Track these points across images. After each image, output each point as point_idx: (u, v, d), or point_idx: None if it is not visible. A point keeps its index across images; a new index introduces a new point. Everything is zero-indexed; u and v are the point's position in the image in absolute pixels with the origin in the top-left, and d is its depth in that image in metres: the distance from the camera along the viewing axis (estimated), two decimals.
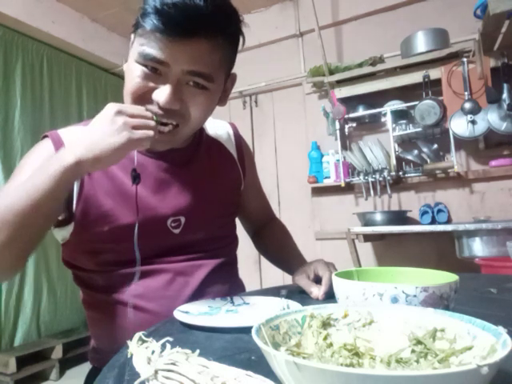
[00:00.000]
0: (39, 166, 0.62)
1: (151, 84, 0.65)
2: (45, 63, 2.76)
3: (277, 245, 1.00)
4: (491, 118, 2.07)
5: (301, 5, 2.88)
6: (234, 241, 0.92)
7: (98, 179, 0.72)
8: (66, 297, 2.71)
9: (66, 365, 2.49)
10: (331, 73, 2.52)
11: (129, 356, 0.36)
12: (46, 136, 0.75)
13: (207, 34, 0.63)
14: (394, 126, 2.35)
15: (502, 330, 0.32)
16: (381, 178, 2.31)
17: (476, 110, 2.10)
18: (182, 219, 0.77)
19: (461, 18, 2.35)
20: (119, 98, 0.69)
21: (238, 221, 0.98)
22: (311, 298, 0.72)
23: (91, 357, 0.84)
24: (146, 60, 0.63)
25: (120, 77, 3.31)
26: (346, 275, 0.58)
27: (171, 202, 0.76)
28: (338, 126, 2.53)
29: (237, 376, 0.31)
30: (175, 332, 0.56)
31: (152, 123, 0.61)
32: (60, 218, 0.73)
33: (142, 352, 0.35)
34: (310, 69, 2.64)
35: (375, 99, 2.48)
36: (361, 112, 2.49)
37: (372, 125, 2.60)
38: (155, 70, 0.64)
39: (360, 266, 2.28)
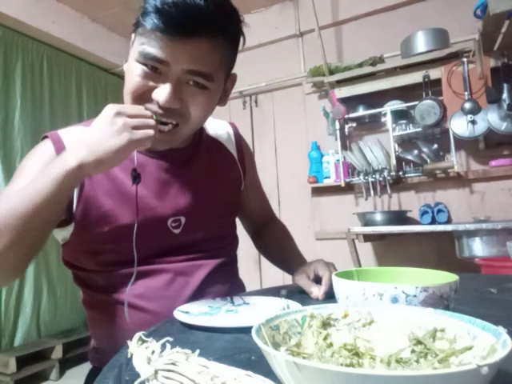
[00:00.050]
0: (41, 170, 0.62)
1: (151, 83, 0.65)
2: (45, 63, 2.76)
3: (277, 245, 1.00)
4: (491, 118, 2.07)
5: (301, 5, 2.88)
6: (234, 241, 0.92)
7: (98, 180, 0.72)
8: (66, 297, 2.71)
9: (66, 365, 2.49)
10: (331, 73, 2.52)
11: (129, 356, 0.36)
12: (46, 137, 0.75)
13: (207, 34, 0.63)
14: (394, 126, 2.35)
15: (502, 329, 0.32)
16: (381, 178, 2.31)
17: (476, 109, 2.10)
18: (183, 219, 0.77)
19: (461, 18, 2.35)
20: (119, 98, 0.69)
21: (238, 221, 0.98)
22: (311, 298, 0.72)
23: (91, 357, 0.84)
24: (146, 59, 0.63)
25: (120, 77, 3.31)
26: (346, 275, 0.58)
27: (171, 202, 0.76)
28: (338, 125, 2.53)
29: (237, 376, 0.31)
30: (175, 332, 0.56)
31: (152, 122, 0.61)
32: None
33: (142, 352, 0.35)
34: (310, 69, 2.64)
35: (375, 99, 2.48)
36: (361, 112, 2.49)
37: (372, 125, 2.60)
38: (155, 70, 0.64)
39: (360, 266, 2.28)
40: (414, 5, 2.56)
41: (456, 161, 2.22)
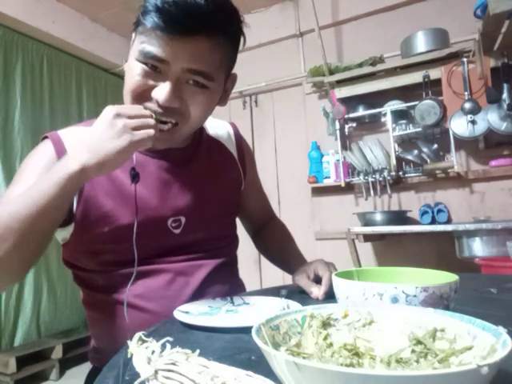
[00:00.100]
0: (43, 173, 0.62)
1: (151, 82, 0.65)
2: (45, 63, 2.76)
3: (277, 244, 1.00)
4: (491, 118, 2.07)
5: (301, 5, 2.88)
6: (234, 241, 0.92)
7: (98, 180, 0.72)
8: (66, 297, 2.71)
9: (66, 365, 2.49)
10: (331, 73, 2.52)
11: (129, 356, 0.36)
12: (46, 137, 0.74)
13: (208, 33, 0.63)
14: (394, 126, 2.35)
15: (502, 329, 0.32)
16: (381, 178, 2.31)
17: (476, 109, 2.10)
18: (183, 219, 0.77)
19: (461, 18, 2.35)
20: (119, 98, 0.69)
21: (238, 221, 0.98)
22: (311, 298, 0.72)
23: (91, 357, 0.84)
24: (146, 58, 0.64)
25: (120, 77, 3.31)
26: (346, 275, 0.58)
27: (172, 202, 0.76)
28: (338, 125, 2.53)
29: (237, 376, 0.31)
30: (175, 332, 0.56)
31: (152, 121, 0.61)
32: None
33: (142, 352, 0.35)
34: (310, 69, 2.64)
35: (375, 99, 2.48)
36: (361, 112, 2.49)
37: (372, 125, 2.60)
38: (155, 68, 0.64)
39: (360, 266, 2.28)
40: (413, 5, 2.56)
41: (456, 161, 2.22)
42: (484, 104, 2.09)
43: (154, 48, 0.62)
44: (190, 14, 0.60)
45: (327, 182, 2.63)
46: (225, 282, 0.82)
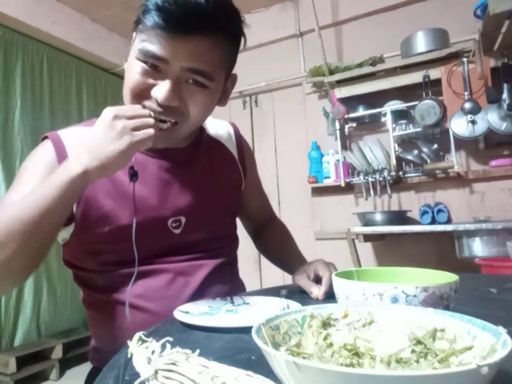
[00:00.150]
0: (45, 176, 0.62)
1: (151, 81, 0.65)
2: (45, 63, 2.76)
3: (277, 244, 1.00)
4: (491, 118, 2.07)
5: (301, 5, 2.88)
6: (234, 241, 0.92)
7: (98, 180, 0.72)
8: (65, 297, 2.71)
9: (65, 365, 2.49)
10: (331, 73, 2.52)
11: (129, 356, 0.36)
12: (46, 137, 0.74)
13: (208, 32, 0.63)
14: (394, 126, 2.35)
15: (502, 329, 0.32)
16: (381, 178, 2.31)
17: (476, 109, 2.10)
18: (183, 219, 0.77)
19: (461, 18, 2.35)
20: (119, 98, 0.69)
21: (238, 221, 0.98)
22: (311, 298, 0.72)
23: (91, 356, 0.84)
24: (145, 57, 0.64)
25: (120, 77, 3.30)
26: (346, 275, 0.58)
27: (172, 202, 0.76)
28: (338, 125, 2.53)
29: (237, 376, 0.31)
30: (175, 332, 0.56)
31: (151, 121, 0.61)
32: None
33: (142, 352, 0.35)
34: (310, 69, 2.64)
35: (375, 99, 2.48)
36: (361, 112, 2.49)
37: (372, 125, 2.60)
38: (155, 67, 0.64)
39: (360, 266, 2.28)
40: (413, 5, 2.56)
41: (456, 161, 2.22)
42: (484, 104, 2.09)
43: (153, 47, 0.62)
44: (190, 13, 0.60)
45: (327, 182, 2.63)
46: (225, 282, 0.82)
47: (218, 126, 0.92)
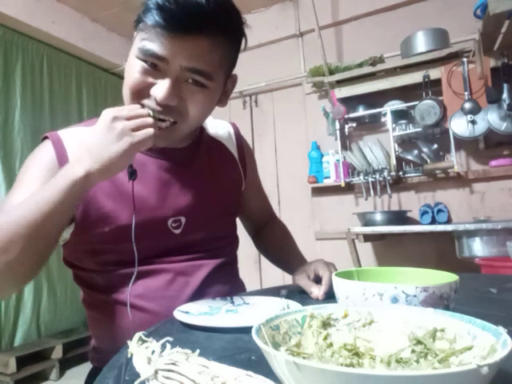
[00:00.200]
0: (46, 179, 0.62)
1: (150, 79, 0.65)
2: (45, 63, 2.76)
3: (277, 244, 1.00)
4: (491, 118, 2.07)
5: (301, 5, 2.88)
6: (234, 241, 0.92)
7: None
8: (65, 297, 2.71)
9: (65, 365, 2.49)
10: (331, 73, 2.52)
11: (129, 356, 0.36)
12: (46, 137, 0.74)
13: (208, 32, 0.63)
14: (394, 126, 2.35)
15: (502, 329, 0.32)
16: (381, 178, 2.31)
17: (476, 110, 2.10)
18: (183, 219, 0.77)
19: (461, 18, 2.35)
20: (119, 98, 0.69)
21: (238, 221, 0.98)
22: (311, 298, 0.72)
23: (92, 356, 0.84)
24: (145, 55, 0.64)
25: (120, 77, 3.30)
26: (346, 275, 0.58)
27: (172, 202, 0.76)
28: (338, 125, 2.53)
29: (237, 376, 0.31)
30: (175, 332, 0.56)
31: (150, 120, 0.61)
32: None
33: (142, 352, 0.35)
34: (310, 69, 2.64)
35: (375, 99, 2.48)
36: (361, 112, 2.49)
37: (372, 125, 2.60)
38: (155, 66, 0.64)
39: (360, 266, 2.28)
40: (413, 5, 2.56)
41: (456, 161, 2.22)
42: (484, 104, 2.09)
43: (154, 45, 0.62)
44: (190, 12, 0.60)
45: (327, 182, 2.63)
46: (225, 282, 0.82)
47: (218, 126, 0.92)
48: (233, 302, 0.71)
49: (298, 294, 0.77)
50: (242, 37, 0.71)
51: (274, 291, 0.79)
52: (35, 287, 2.52)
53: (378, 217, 2.23)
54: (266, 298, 0.72)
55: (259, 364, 0.41)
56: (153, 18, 0.61)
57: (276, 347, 0.35)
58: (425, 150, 2.32)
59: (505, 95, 2.04)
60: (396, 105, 2.36)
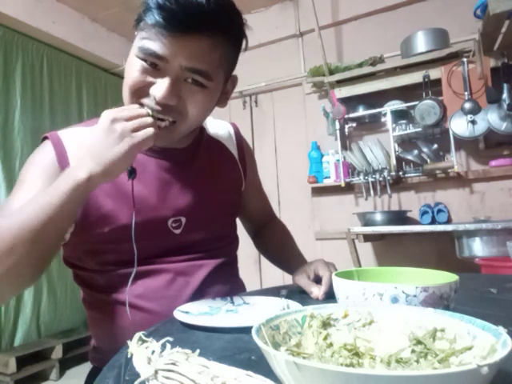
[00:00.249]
0: (47, 181, 0.62)
1: (150, 79, 0.65)
2: (45, 63, 2.76)
3: (277, 244, 1.00)
4: (491, 118, 2.07)
5: (301, 5, 2.88)
6: (234, 241, 0.92)
7: None
8: (65, 297, 2.71)
9: (65, 365, 2.49)
10: (331, 73, 2.52)
11: (129, 356, 0.36)
12: (46, 137, 0.74)
13: (208, 32, 0.63)
14: (394, 126, 2.35)
15: (502, 329, 0.32)
16: (381, 178, 2.31)
17: (476, 110, 2.10)
18: (183, 219, 0.77)
19: (461, 18, 2.35)
20: (119, 98, 0.69)
21: (238, 221, 0.98)
22: (311, 298, 0.72)
23: (92, 356, 0.84)
24: (145, 55, 0.64)
25: (120, 77, 3.30)
26: (346, 275, 0.58)
27: (172, 202, 0.76)
28: (338, 125, 2.53)
29: (237, 376, 0.31)
30: (175, 332, 0.56)
31: (150, 120, 0.61)
32: None
33: (142, 352, 0.35)
34: (310, 69, 2.64)
35: (375, 99, 2.48)
36: (361, 112, 2.49)
37: (372, 125, 2.60)
38: (154, 66, 0.64)
39: (360, 266, 2.28)
40: (413, 5, 2.56)
41: (456, 161, 2.22)
42: (484, 104, 2.09)
43: (153, 45, 0.63)
44: (190, 12, 0.60)
45: (327, 182, 2.63)
46: (225, 282, 0.82)
47: (218, 126, 0.92)
48: (233, 302, 0.71)
49: (297, 293, 0.77)
50: (242, 37, 0.71)
51: (274, 291, 0.79)
52: (35, 287, 2.52)
53: (378, 217, 2.23)
54: (265, 298, 0.72)
55: (259, 364, 0.41)
56: (153, 17, 0.61)
57: (276, 347, 0.35)
58: (425, 149, 2.32)
59: (505, 95, 2.04)
60: (396, 105, 2.36)
